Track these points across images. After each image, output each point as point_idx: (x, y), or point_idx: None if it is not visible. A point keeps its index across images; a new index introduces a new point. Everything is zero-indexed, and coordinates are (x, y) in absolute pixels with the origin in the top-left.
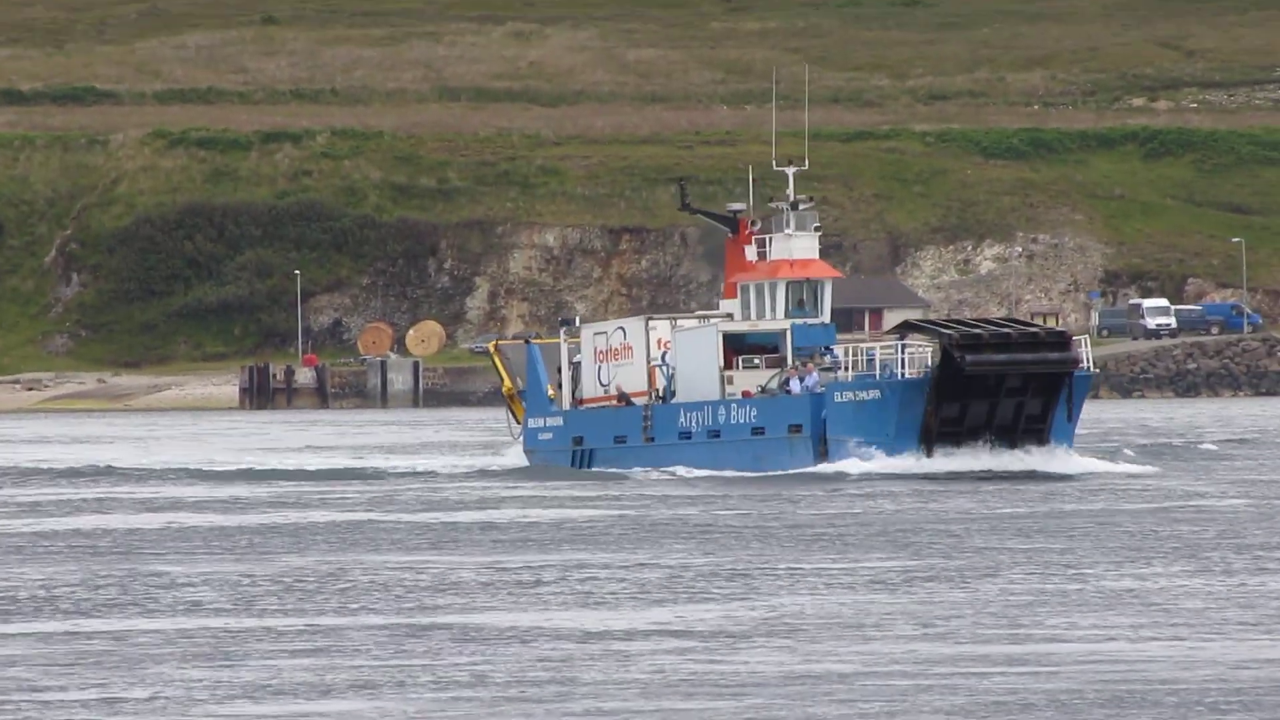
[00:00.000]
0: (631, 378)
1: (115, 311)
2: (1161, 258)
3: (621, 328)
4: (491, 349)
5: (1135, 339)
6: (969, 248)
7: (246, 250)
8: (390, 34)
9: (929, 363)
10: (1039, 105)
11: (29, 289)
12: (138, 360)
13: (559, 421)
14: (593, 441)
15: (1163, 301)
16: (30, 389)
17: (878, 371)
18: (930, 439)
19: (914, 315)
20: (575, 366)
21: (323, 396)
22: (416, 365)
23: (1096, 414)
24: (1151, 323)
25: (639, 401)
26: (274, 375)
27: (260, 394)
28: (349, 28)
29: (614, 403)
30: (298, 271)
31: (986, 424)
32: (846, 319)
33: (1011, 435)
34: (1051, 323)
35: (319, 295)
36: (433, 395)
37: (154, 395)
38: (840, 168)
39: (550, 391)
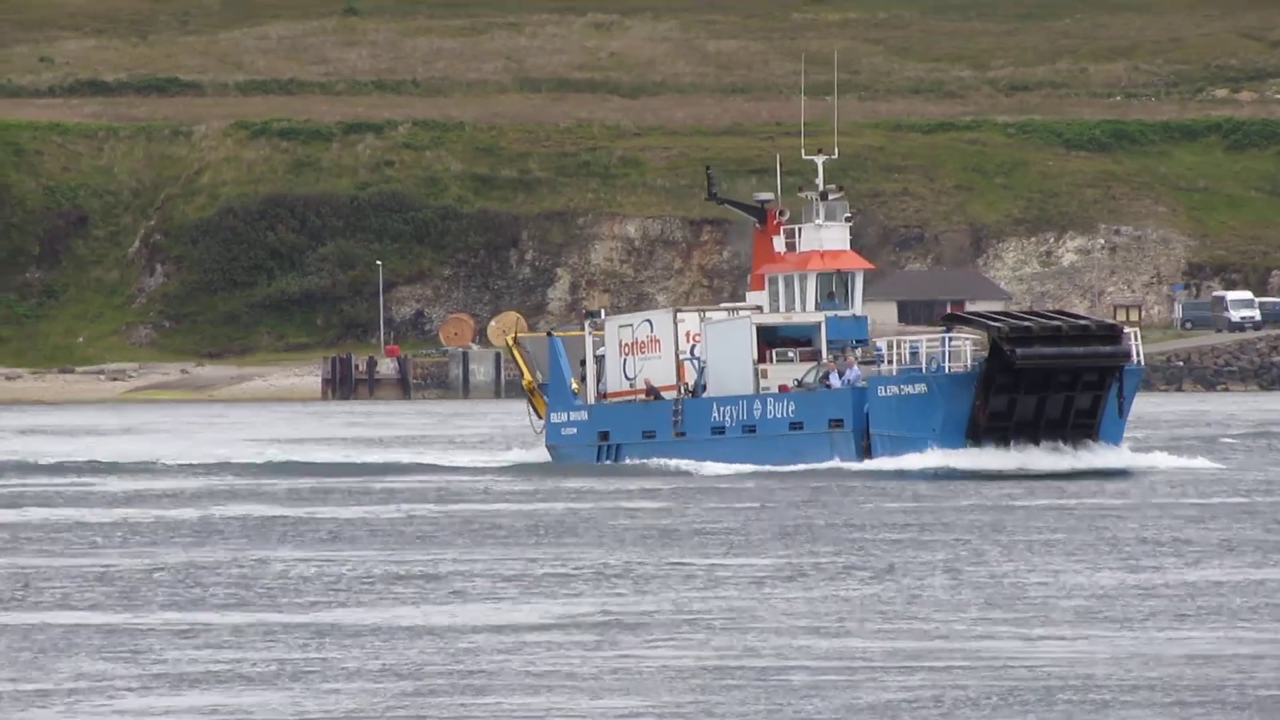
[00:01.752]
0: (659, 371)
1: (198, 302)
2: (1245, 250)
3: (649, 320)
4: (510, 342)
5: (1218, 331)
6: (1051, 239)
7: (328, 241)
8: (471, 25)
9: (975, 356)
10: (1121, 96)
11: (113, 279)
12: (220, 351)
13: (583, 416)
14: (619, 436)
15: (1246, 294)
16: (115, 379)
17: (923, 365)
18: (978, 434)
19: (994, 307)
20: (600, 360)
21: (405, 387)
22: (498, 356)
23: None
24: (1235, 315)
25: (667, 396)
26: (356, 366)
27: (342, 385)
28: (430, 18)
29: (642, 397)
30: (379, 262)
31: (1035, 419)
32: (928, 310)
33: (1061, 430)
34: (1134, 315)
35: (401, 286)
36: (514, 386)
37: (237, 386)
38: (921, 159)
39: (574, 385)
